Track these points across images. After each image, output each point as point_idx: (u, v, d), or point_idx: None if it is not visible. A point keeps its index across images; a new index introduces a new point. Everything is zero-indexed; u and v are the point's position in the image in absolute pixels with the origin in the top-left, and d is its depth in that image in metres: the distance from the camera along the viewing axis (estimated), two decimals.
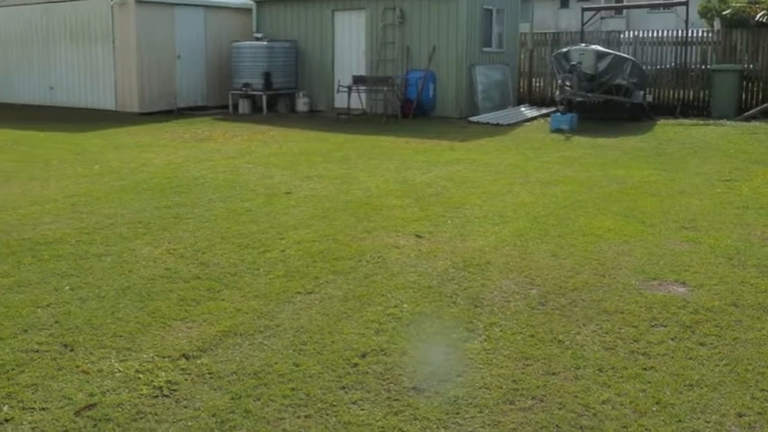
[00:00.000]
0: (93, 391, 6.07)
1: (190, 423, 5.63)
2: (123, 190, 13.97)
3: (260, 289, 8.48)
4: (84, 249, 10.00)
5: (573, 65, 24.10)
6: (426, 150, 19.12)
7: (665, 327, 7.37)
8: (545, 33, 32.63)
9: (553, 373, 6.40)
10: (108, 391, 6.08)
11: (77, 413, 5.75)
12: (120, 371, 6.41)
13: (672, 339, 7.06)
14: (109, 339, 7.04)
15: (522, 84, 31.13)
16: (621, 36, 30.04)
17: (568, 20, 55.76)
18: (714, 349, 6.85)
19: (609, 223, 11.39)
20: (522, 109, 28.61)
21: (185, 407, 5.85)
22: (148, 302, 8.02)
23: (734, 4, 29.55)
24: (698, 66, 27.76)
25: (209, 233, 10.85)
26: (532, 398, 6.02)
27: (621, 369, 6.46)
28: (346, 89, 27.00)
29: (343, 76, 28.54)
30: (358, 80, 27.17)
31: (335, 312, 7.75)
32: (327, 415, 5.75)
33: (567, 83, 24.37)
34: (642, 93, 25.50)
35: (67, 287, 8.51)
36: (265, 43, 29.06)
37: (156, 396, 6.01)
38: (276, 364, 6.54)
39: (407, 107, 26.59)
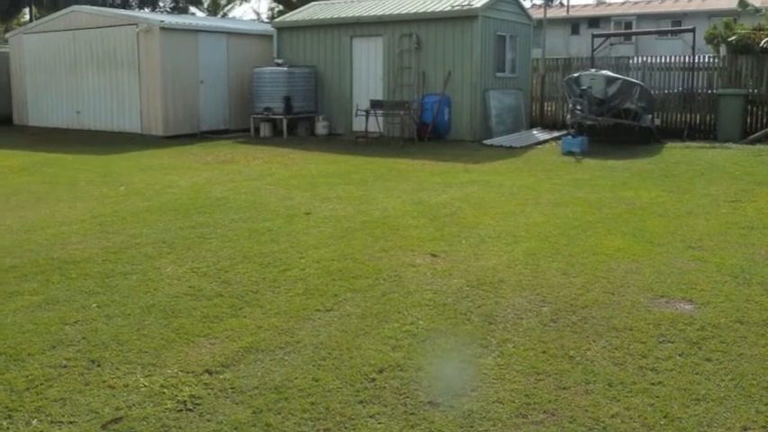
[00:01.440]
0: (120, 405, 6.10)
1: None
2: (148, 210, 14.01)
3: (280, 306, 8.49)
4: (110, 268, 10.04)
5: (583, 89, 24.09)
6: (442, 172, 19.11)
7: (673, 343, 7.37)
8: (556, 59, 32.60)
9: (564, 388, 6.40)
10: (134, 405, 6.10)
11: (104, 427, 5.77)
12: (145, 386, 6.43)
13: (679, 355, 7.05)
14: (134, 355, 7.07)
15: (534, 108, 31.10)
16: (630, 62, 30.01)
17: (579, 46, 55.73)
18: (720, 365, 6.84)
19: (618, 243, 11.39)
20: (535, 132, 28.58)
21: (208, 420, 5.87)
22: (173, 319, 8.05)
23: (739, 31, 29.56)
24: (704, 90, 27.71)
25: (231, 252, 10.87)
26: (544, 412, 6.02)
27: (630, 384, 6.45)
28: (364, 113, 27.06)
29: (361, 100, 28.65)
30: (375, 104, 27.23)
31: (354, 329, 7.77)
32: (346, 428, 5.77)
33: (578, 107, 24.33)
34: (650, 116, 25.46)
35: (95, 305, 8.54)
36: (286, 69, 29.08)
37: (180, 410, 6.03)
38: (296, 378, 6.55)
39: (423, 130, 26.58)
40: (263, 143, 26.86)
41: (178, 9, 57.51)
